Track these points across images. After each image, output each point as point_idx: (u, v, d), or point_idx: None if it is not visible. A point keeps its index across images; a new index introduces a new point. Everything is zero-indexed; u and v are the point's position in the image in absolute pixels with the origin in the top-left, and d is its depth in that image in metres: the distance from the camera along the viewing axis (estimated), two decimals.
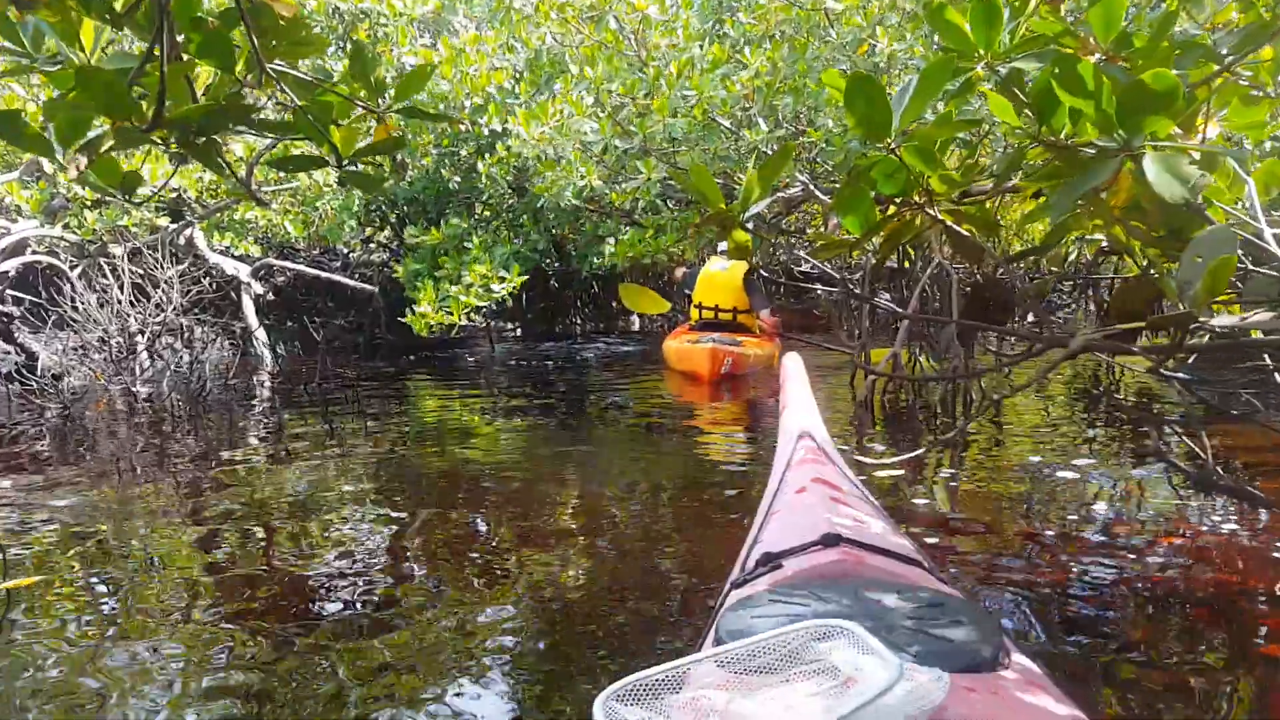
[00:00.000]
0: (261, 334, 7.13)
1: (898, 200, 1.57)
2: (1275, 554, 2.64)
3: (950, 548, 2.76)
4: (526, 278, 6.39)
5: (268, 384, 6.61)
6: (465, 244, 6.87)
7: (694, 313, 7.02)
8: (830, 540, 1.53)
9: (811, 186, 5.71)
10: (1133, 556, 2.65)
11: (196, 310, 7.60)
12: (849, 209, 1.58)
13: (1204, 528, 2.92)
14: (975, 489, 3.53)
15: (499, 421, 5.19)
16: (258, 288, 7.24)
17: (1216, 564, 2.59)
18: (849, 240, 1.64)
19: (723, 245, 6.99)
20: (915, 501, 3.31)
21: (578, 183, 4.96)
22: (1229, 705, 1.83)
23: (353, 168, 1.39)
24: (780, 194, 5.89)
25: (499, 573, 2.72)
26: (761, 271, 6.95)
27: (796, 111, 5.07)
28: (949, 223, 1.57)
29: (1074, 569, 2.56)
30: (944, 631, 1.11)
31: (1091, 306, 10.05)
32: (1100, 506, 3.21)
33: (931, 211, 1.56)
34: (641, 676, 1.01)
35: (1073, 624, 2.20)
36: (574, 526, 3.19)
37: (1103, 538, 2.83)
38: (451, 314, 6.09)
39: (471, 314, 6.28)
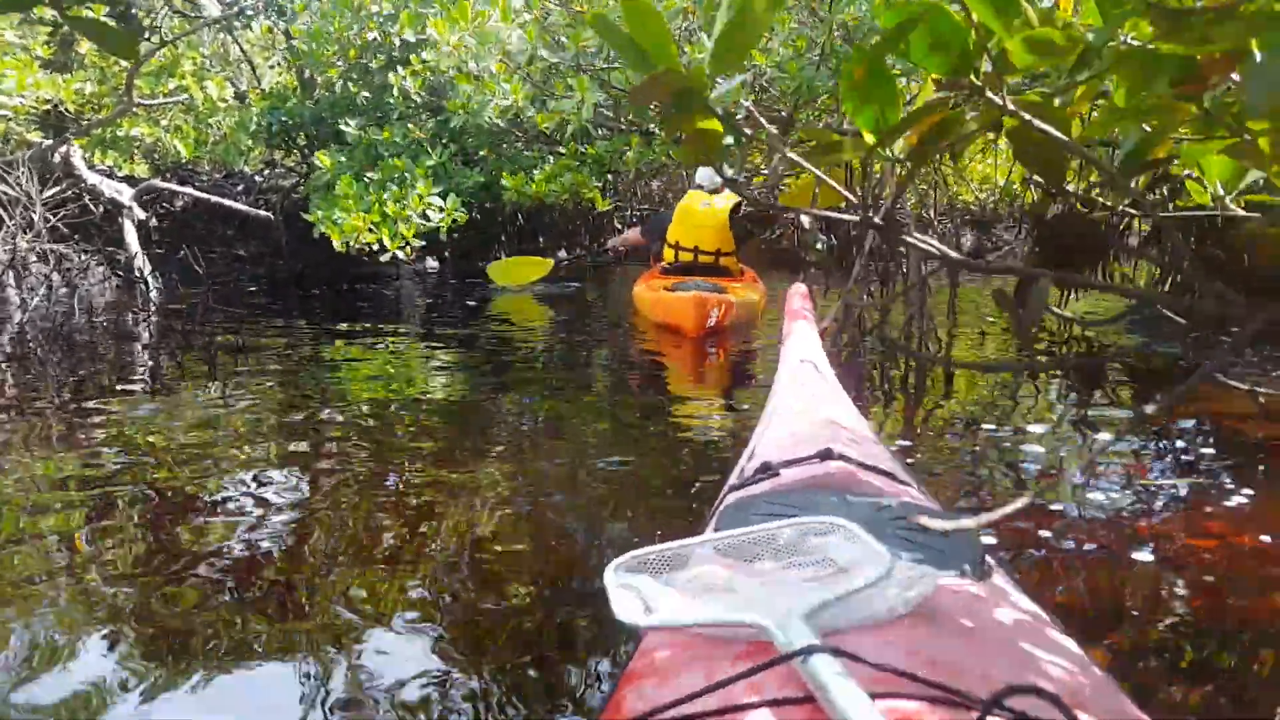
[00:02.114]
0: (143, 263, 6.40)
1: (943, 82, 1.05)
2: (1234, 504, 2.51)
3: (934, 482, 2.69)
4: (464, 212, 5.78)
5: (145, 320, 5.92)
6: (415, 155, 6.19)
7: (668, 253, 5.99)
8: (826, 454, 1.56)
9: (756, 114, 5.22)
10: (1103, 506, 2.49)
11: (76, 237, 6.84)
12: (863, 98, 1.07)
13: (1169, 480, 2.75)
14: (944, 438, 3.18)
15: (415, 365, 4.67)
16: (139, 213, 6.49)
17: (1184, 514, 2.47)
18: (860, 144, 1.12)
19: (701, 177, 6.10)
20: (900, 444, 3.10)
21: (501, 101, 4.38)
22: (1198, 648, 1.78)
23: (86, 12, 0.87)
24: None
25: (414, 523, 2.37)
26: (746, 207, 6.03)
27: None
28: (1026, 115, 1.03)
29: (1049, 513, 2.46)
30: (929, 540, 1.15)
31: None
32: (1063, 456, 2.95)
33: (997, 97, 1.02)
34: (647, 551, 1.07)
35: (1049, 559, 2.16)
36: (497, 478, 2.76)
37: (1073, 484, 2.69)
38: (384, 238, 5.46)
39: (408, 247, 5.66)
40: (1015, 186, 9.08)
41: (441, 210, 5.50)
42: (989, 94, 1.00)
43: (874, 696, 0.73)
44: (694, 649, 0.94)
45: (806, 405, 2.00)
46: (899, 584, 0.94)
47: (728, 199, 5.83)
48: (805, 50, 4.15)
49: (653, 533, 2.31)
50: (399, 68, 6.24)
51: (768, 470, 1.57)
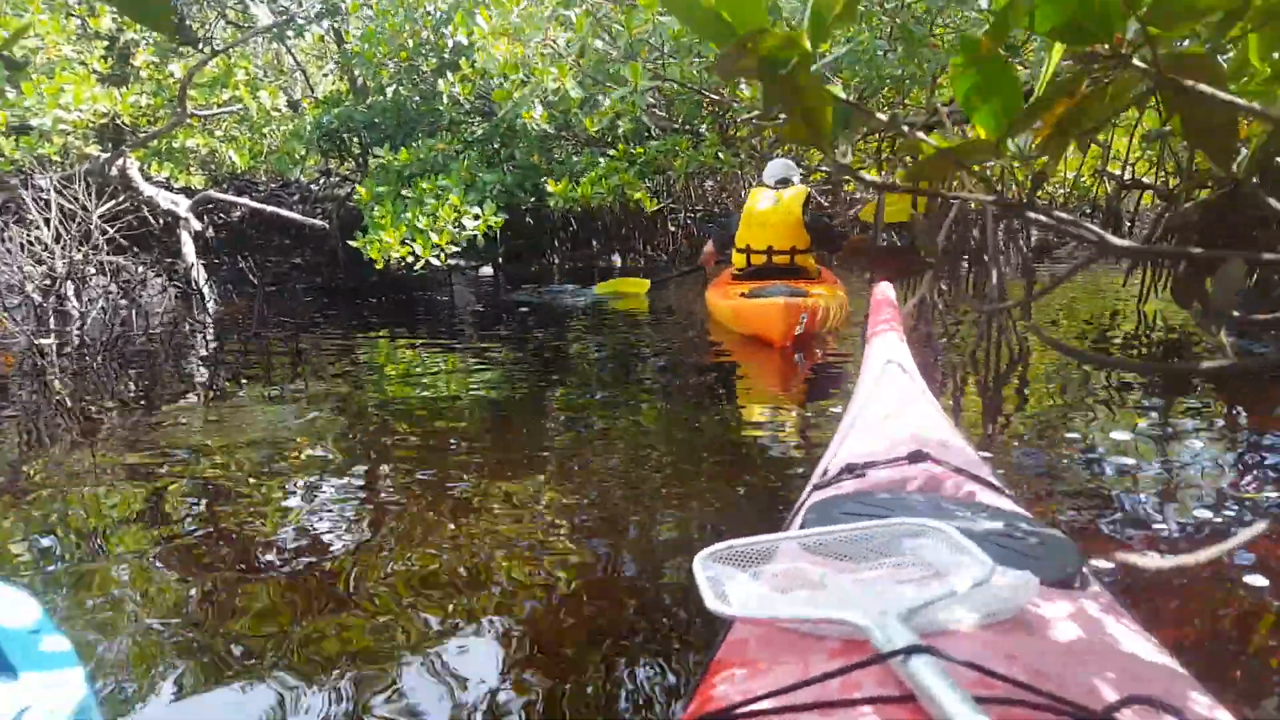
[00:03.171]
0: (199, 274, 6.41)
1: (1077, 58, 0.87)
2: None
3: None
4: (504, 217, 5.65)
5: (202, 330, 5.92)
6: (446, 168, 6.14)
7: (737, 258, 5.53)
8: (917, 456, 1.53)
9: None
10: (1199, 521, 2.33)
11: (134, 249, 6.89)
12: (980, 90, 0.90)
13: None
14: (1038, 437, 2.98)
15: (472, 370, 4.57)
16: (196, 224, 6.50)
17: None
18: (982, 145, 0.94)
19: (774, 170, 5.65)
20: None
21: (549, 87, 4.22)
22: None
23: None
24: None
25: (484, 523, 2.35)
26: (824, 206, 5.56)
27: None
28: (1187, 82, 0.81)
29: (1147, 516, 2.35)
30: (1026, 548, 1.13)
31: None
32: (1163, 462, 2.78)
33: (1141, 61, 0.82)
34: (736, 543, 1.06)
35: (1142, 575, 2.01)
36: (565, 479, 2.69)
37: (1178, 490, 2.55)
38: (416, 248, 5.37)
39: (442, 254, 5.54)
40: (1085, 180, 8.74)
41: (477, 218, 5.39)
42: (1136, 61, 0.81)
43: (978, 701, 0.72)
44: (785, 643, 0.94)
45: (893, 407, 1.95)
46: (999, 589, 0.93)
47: (797, 192, 5.41)
48: (875, 28, 3.95)
49: (730, 529, 2.19)
50: (449, 72, 6.18)
51: (853, 470, 1.54)
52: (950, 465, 1.53)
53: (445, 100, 6.30)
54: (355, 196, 7.54)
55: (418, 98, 7.03)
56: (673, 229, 10.38)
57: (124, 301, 6.30)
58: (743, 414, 3.68)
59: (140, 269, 6.30)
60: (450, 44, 6.53)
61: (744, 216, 5.51)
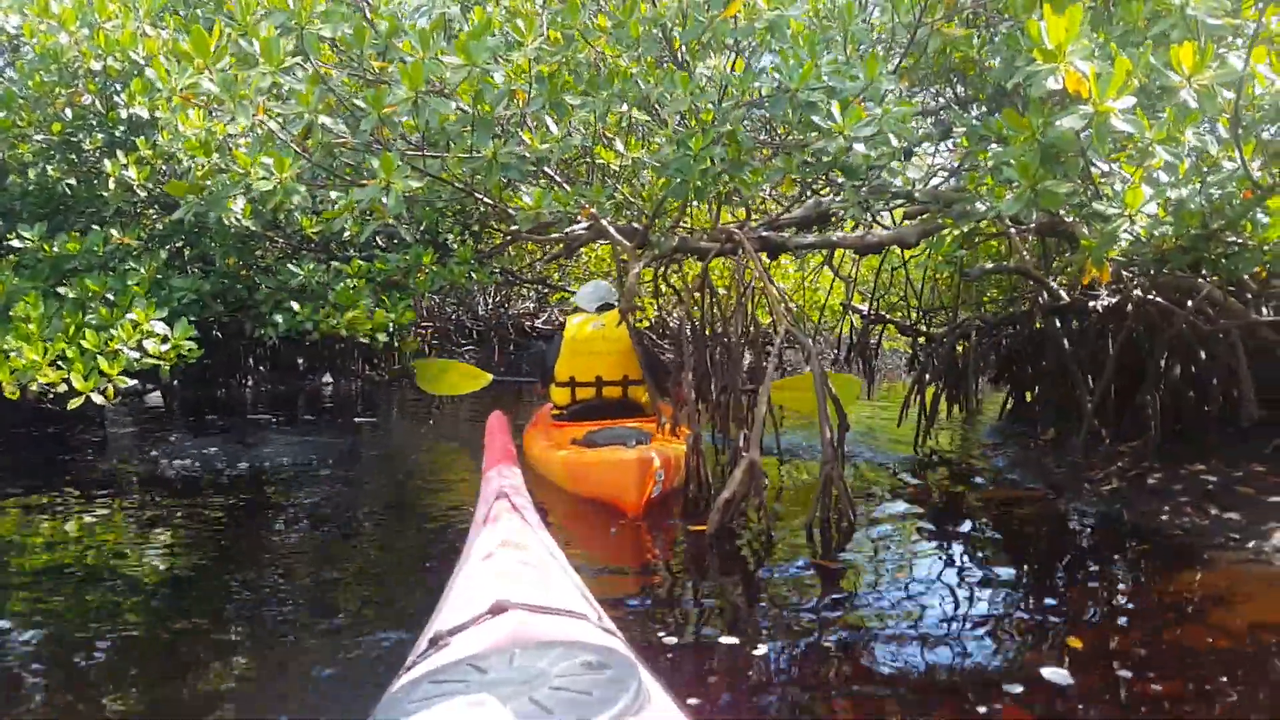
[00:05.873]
0: None
1: None
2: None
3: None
4: (195, 339, 4.13)
5: None
6: (119, 266, 4.59)
7: (559, 394, 4.64)
8: (498, 608, 1.51)
9: (604, 223, 4.23)
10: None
11: None
12: None
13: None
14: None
15: (115, 547, 3.16)
16: None
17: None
18: None
19: (592, 294, 4.88)
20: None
21: (259, 185, 3.04)
22: None
23: None
24: (570, 229, 4.33)
25: None
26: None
27: (597, 115, 3.57)
28: None
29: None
30: (587, 683, 1.17)
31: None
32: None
33: None
34: None
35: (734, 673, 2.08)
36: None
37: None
38: (73, 377, 3.69)
39: (110, 388, 3.88)
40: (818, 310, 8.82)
41: (166, 340, 3.88)
42: None
43: None
44: None
45: (494, 550, 1.89)
46: None
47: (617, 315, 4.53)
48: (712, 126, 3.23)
49: None
50: (120, 152, 4.74)
51: (437, 642, 1.47)
52: (534, 606, 1.52)
53: (113, 185, 4.82)
54: None
55: (74, 180, 5.43)
56: (395, 345, 9.17)
57: None
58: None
59: None
60: (125, 115, 5.12)
61: (565, 345, 4.62)
